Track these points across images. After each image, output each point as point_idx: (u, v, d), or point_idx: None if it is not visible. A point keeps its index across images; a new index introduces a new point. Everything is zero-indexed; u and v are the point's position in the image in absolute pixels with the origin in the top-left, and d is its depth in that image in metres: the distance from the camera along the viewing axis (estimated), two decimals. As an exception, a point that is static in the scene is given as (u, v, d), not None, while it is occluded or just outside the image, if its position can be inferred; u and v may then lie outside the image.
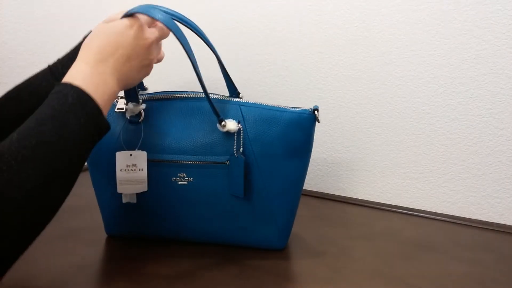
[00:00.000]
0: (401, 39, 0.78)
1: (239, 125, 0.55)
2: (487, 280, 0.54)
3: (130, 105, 0.56)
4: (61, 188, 0.38)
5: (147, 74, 0.51)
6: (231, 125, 0.54)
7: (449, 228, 0.72)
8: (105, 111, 0.43)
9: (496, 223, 0.74)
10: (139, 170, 0.56)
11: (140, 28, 0.48)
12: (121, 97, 0.57)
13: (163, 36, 0.52)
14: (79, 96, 0.40)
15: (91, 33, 0.47)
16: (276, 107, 0.56)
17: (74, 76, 0.42)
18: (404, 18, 0.77)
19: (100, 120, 0.42)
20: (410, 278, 0.53)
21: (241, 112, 0.56)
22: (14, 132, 0.36)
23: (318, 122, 0.57)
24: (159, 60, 0.55)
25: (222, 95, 0.58)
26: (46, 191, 0.36)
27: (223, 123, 0.54)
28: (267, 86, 0.93)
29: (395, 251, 0.61)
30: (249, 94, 0.95)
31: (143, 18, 0.49)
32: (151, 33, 0.49)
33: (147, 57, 0.49)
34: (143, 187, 0.57)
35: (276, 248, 0.59)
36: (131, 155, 0.56)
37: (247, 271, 0.53)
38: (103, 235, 0.63)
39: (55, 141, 0.37)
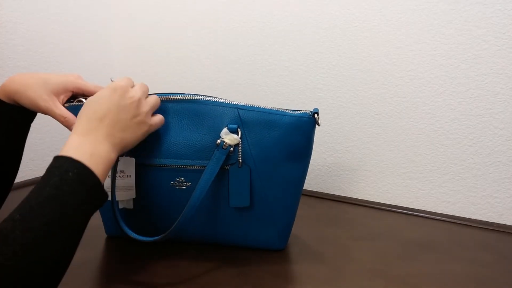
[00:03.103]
0: (401, 39, 0.78)
1: (239, 134, 0.54)
2: (486, 280, 0.54)
3: None
4: (65, 255, 0.39)
5: (144, 131, 0.50)
6: (231, 141, 0.53)
7: (449, 228, 0.72)
8: (102, 180, 0.43)
9: (496, 223, 0.74)
10: (127, 176, 0.55)
11: (124, 89, 0.48)
12: None
13: (155, 105, 0.53)
14: (79, 170, 0.40)
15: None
16: (275, 110, 0.55)
17: (68, 149, 0.42)
18: (404, 18, 0.77)
19: (99, 193, 0.42)
20: (410, 278, 0.53)
21: (239, 115, 0.54)
22: (15, 211, 0.36)
23: (318, 125, 0.56)
24: (157, 124, 0.53)
25: (219, 98, 0.57)
26: (54, 262, 0.37)
27: (224, 143, 0.53)
28: (267, 86, 0.93)
29: (395, 251, 0.61)
30: (249, 94, 0.95)
31: (124, 80, 0.50)
32: (135, 91, 0.50)
33: (138, 113, 0.49)
34: (132, 194, 0.56)
35: (276, 249, 0.60)
36: (118, 161, 0.54)
37: (247, 271, 0.53)
38: (103, 235, 0.63)
39: (58, 220, 0.37)
